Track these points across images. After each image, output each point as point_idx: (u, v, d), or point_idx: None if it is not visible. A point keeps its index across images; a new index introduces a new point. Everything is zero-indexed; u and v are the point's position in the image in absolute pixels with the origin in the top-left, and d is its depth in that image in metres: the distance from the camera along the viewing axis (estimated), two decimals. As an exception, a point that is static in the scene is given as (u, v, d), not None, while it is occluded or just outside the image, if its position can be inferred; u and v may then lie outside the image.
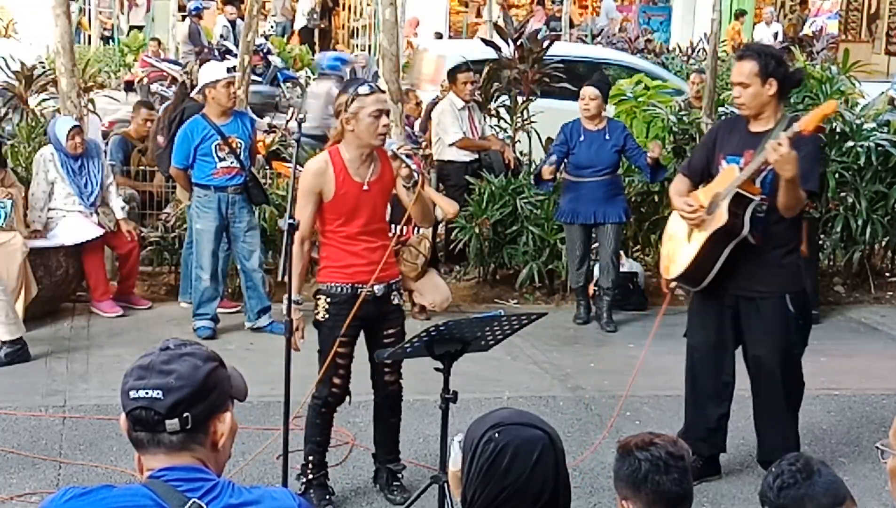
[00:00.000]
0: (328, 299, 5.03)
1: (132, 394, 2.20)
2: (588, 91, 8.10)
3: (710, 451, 5.63)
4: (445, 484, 4.42)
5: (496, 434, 2.68)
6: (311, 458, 5.22)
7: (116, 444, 5.73)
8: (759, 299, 5.29)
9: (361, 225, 5.01)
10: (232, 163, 7.67)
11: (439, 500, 4.56)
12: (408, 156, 5.02)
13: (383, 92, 5.09)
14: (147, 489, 2.17)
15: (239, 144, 7.69)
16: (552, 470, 2.67)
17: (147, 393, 2.18)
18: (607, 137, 8.08)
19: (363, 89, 4.91)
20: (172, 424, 2.17)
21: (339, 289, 4.99)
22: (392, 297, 5.10)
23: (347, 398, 5.17)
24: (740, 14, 23.46)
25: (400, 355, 4.67)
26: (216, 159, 7.65)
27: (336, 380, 5.05)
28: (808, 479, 2.96)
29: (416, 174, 5.02)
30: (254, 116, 8.96)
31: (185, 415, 2.18)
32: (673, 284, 5.53)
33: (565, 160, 8.15)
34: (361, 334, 5.15)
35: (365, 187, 4.98)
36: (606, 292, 8.25)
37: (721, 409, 5.58)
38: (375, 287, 4.99)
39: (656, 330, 5.80)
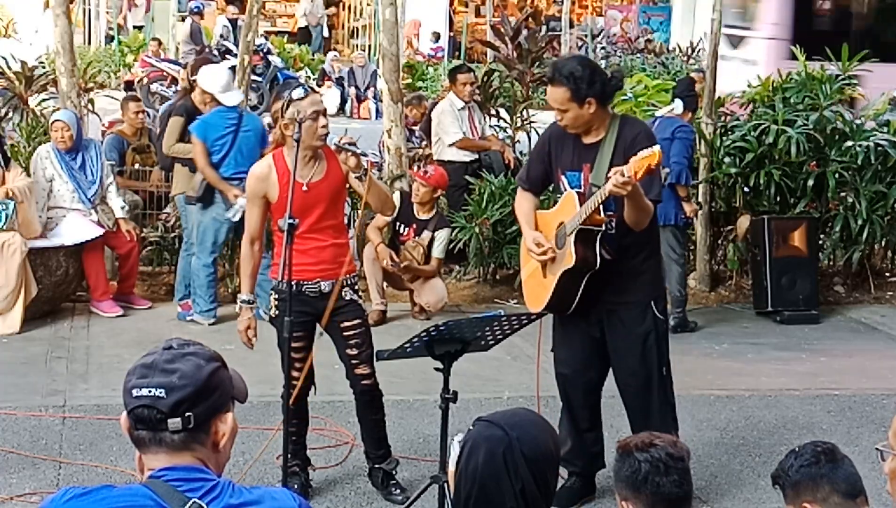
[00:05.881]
0: (276, 296, 5.08)
1: (135, 392, 2.20)
2: None
3: (589, 470, 5.38)
4: (445, 484, 4.42)
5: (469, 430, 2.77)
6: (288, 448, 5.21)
7: (116, 444, 5.73)
8: (622, 308, 5.05)
9: (310, 225, 5.03)
10: None
11: (439, 500, 4.56)
12: (351, 144, 5.02)
13: (318, 93, 5.11)
14: (147, 489, 2.17)
15: None
16: (512, 470, 2.69)
17: (150, 391, 2.18)
18: None
19: (297, 94, 4.94)
20: (174, 423, 2.17)
21: (284, 285, 4.95)
22: (343, 293, 5.10)
23: (313, 388, 5.22)
24: None
25: (400, 355, 4.68)
26: None
27: (294, 374, 5.03)
28: (830, 463, 2.98)
29: (364, 162, 5.02)
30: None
31: (187, 414, 2.18)
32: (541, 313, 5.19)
33: None
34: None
35: (304, 189, 4.96)
36: None
37: (596, 431, 5.37)
38: (321, 284, 5.02)
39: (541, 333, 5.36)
